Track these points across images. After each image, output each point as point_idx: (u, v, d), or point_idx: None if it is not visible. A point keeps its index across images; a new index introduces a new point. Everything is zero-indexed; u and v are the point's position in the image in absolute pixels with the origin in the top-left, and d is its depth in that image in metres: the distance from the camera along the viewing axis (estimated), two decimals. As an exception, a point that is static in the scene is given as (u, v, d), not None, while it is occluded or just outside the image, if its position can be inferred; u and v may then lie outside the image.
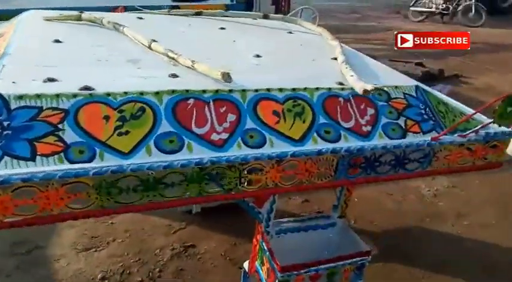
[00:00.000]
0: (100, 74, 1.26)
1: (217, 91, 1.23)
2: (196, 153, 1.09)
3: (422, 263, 2.37)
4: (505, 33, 9.73)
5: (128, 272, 2.16)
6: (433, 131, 1.38)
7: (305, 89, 1.33)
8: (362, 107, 1.36)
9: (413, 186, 3.18)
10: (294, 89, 1.32)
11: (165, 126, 1.11)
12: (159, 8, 3.75)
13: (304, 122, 1.26)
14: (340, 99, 1.35)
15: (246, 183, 1.17)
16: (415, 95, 1.46)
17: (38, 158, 0.97)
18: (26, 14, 1.86)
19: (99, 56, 1.41)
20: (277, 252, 1.55)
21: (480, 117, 1.44)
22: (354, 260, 1.56)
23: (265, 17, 2.15)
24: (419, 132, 1.36)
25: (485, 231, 2.71)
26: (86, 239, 2.40)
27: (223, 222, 2.58)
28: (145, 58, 1.43)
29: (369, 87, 1.28)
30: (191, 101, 1.18)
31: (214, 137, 1.15)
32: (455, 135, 1.38)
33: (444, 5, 11.10)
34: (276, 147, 1.18)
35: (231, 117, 1.20)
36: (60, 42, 1.50)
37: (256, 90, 1.27)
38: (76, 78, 1.18)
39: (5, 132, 0.98)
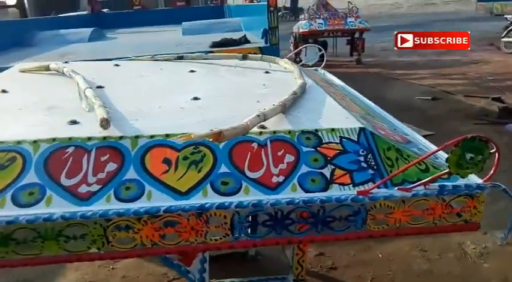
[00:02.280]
0: (3, 123, 1.26)
1: (104, 138, 1.14)
2: (56, 207, 1.00)
3: None
4: None
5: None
6: (369, 183, 1.13)
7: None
8: (280, 153, 1.16)
9: (456, 242, 2.70)
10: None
11: (30, 178, 1.05)
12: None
13: (199, 171, 1.11)
14: (254, 144, 1.17)
15: (116, 242, 1.04)
16: (355, 139, 1.22)
17: None
18: (16, 66, 1.99)
19: (25, 105, 1.42)
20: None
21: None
22: None
23: (244, 57, 2.05)
24: (348, 184, 1.12)
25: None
26: (84, 283, 2.41)
27: (224, 273, 2.40)
28: (66, 105, 1.41)
29: (214, 130, 1.08)
30: (70, 149, 1.11)
31: (83, 189, 1.05)
32: (395, 188, 1.11)
33: (541, 34, 9.98)
34: (152, 200, 1.04)
35: (111, 166, 1.09)
36: (6, 92, 1.56)
37: (152, 136, 1.16)
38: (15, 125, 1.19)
39: None
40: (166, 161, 1.12)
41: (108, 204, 1.02)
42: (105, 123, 1.13)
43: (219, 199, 1.05)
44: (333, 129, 1.23)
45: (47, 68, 1.84)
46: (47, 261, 1.04)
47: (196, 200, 1.05)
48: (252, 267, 2.46)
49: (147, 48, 4.30)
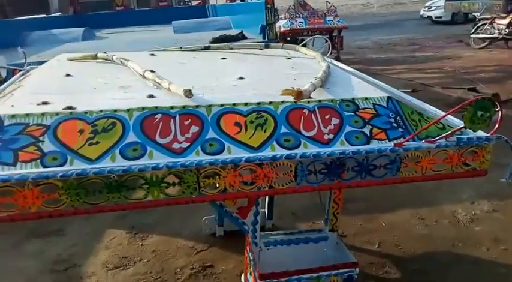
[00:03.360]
0: (89, 98, 1.47)
1: (184, 107, 1.37)
2: (156, 159, 1.23)
3: (445, 288, 2.24)
4: None
5: (147, 289, 2.30)
6: (401, 138, 1.40)
7: (270, 102, 1.43)
8: (327, 117, 1.42)
9: (450, 210, 3.03)
10: (259, 103, 1.42)
11: (131, 138, 1.27)
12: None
13: (265, 131, 1.35)
14: (305, 110, 1.43)
15: (205, 187, 1.28)
16: (385, 105, 1.49)
17: (18, 163, 1.16)
18: (57, 57, 2.18)
19: (96, 85, 1.63)
20: (266, 264, 1.60)
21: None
22: (339, 271, 1.56)
23: (267, 46, 2.30)
24: (384, 139, 1.39)
25: (525, 257, 2.50)
26: (117, 259, 2.60)
27: (243, 245, 2.64)
28: (136, 84, 1.63)
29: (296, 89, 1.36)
30: (159, 115, 1.34)
31: (176, 145, 1.28)
32: (423, 141, 1.39)
33: (508, 30, 10.57)
34: (233, 154, 1.28)
35: (194, 128, 1.33)
36: (71, 75, 1.76)
37: (222, 105, 1.39)
38: (66, 102, 1.39)
39: (-4, 143, 1.19)
40: (237, 124, 1.36)
41: (198, 157, 1.26)
42: (188, 93, 1.37)
43: (283, 152, 1.30)
44: (366, 98, 1.50)
45: (94, 57, 2.04)
46: (150, 205, 1.26)
47: (267, 153, 1.30)
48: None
49: (147, 45, 4.49)
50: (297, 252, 1.73)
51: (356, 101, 1.49)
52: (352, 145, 1.36)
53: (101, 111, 1.31)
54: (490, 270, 2.40)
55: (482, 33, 11.11)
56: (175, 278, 2.39)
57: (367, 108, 1.47)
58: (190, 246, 2.68)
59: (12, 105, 1.34)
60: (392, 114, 1.47)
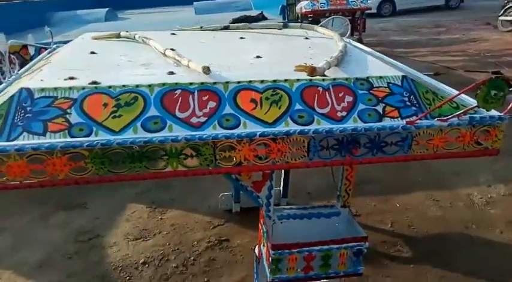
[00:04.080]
0: (112, 74, 1.53)
1: (202, 83, 1.43)
2: (175, 132, 1.29)
3: (457, 267, 2.28)
4: None
5: (166, 258, 2.41)
6: (414, 117, 1.43)
7: (286, 80, 1.47)
8: (340, 95, 1.46)
9: (465, 193, 3.04)
10: (274, 81, 1.46)
11: (152, 112, 1.33)
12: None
13: (279, 108, 1.40)
14: (320, 88, 1.46)
15: (221, 160, 1.34)
16: (400, 84, 1.52)
17: (47, 133, 1.24)
18: (82, 36, 2.25)
19: (119, 62, 1.70)
20: (278, 236, 1.66)
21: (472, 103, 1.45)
22: (349, 244, 1.61)
23: (285, 26, 2.32)
24: (397, 117, 1.42)
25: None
26: (137, 231, 2.72)
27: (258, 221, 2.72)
28: (157, 62, 1.69)
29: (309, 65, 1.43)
30: (178, 91, 1.39)
31: (194, 120, 1.34)
32: (435, 119, 1.41)
33: (538, 11, 10.22)
34: (248, 128, 1.34)
35: (212, 104, 1.38)
36: (95, 53, 1.83)
37: (239, 82, 1.44)
38: (91, 77, 1.47)
39: (27, 115, 1.27)
40: (253, 101, 1.41)
41: (215, 131, 1.32)
42: (206, 70, 1.42)
43: (297, 127, 1.35)
44: (381, 77, 1.53)
45: (118, 36, 2.11)
46: (169, 175, 1.34)
47: (281, 128, 1.35)
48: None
49: (169, 25, 4.54)
50: (308, 226, 1.79)
51: (370, 79, 1.51)
52: (364, 122, 1.39)
53: (124, 86, 1.38)
54: (502, 252, 2.42)
55: (510, 16, 10.75)
56: (192, 250, 2.49)
57: (381, 86, 1.50)
58: (207, 221, 2.77)
59: (42, 80, 1.42)
60: (406, 93, 1.49)
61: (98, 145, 1.22)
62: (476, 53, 8.20)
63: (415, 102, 1.48)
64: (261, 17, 4.47)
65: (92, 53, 1.83)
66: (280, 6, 4.32)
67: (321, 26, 2.49)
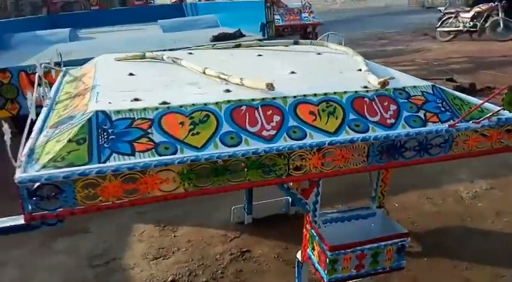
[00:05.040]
0: (171, 94, 1.59)
1: (263, 99, 1.53)
2: (252, 146, 1.38)
3: (464, 256, 2.50)
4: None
5: (194, 274, 2.43)
6: (451, 120, 1.61)
7: (335, 92, 1.61)
8: (385, 104, 1.62)
9: (452, 189, 3.31)
10: (325, 94, 1.59)
11: (226, 127, 1.41)
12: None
13: (336, 118, 1.53)
14: (366, 99, 1.61)
15: (293, 170, 1.44)
16: (431, 92, 1.70)
17: (136, 153, 1.28)
18: (100, 58, 2.27)
19: (165, 82, 1.76)
20: (328, 238, 1.77)
21: (494, 107, 1.66)
22: (394, 240, 1.76)
23: (296, 43, 2.48)
24: (437, 122, 1.60)
25: (525, 226, 2.81)
26: (154, 250, 2.71)
27: (272, 231, 2.82)
28: (202, 81, 1.76)
29: (382, 79, 1.55)
30: (243, 107, 1.49)
31: (265, 133, 1.43)
32: (470, 122, 1.60)
33: (471, 23, 11.19)
34: (315, 138, 1.45)
35: (276, 117, 1.49)
36: (134, 74, 1.87)
37: (295, 97, 1.56)
38: (153, 98, 1.52)
39: (110, 137, 1.31)
40: (312, 113, 1.53)
41: (287, 143, 1.42)
42: (270, 86, 1.52)
43: (359, 135, 1.48)
44: (414, 86, 1.70)
45: (142, 57, 2.15)
46: (249, 186, 1.42)
47: (344, 137, 1.47)
48: (294, 222, 2.92)
49: (143, 44, 4.56)
50: (350, 227, 1.92)
51: (406, 89, 1.68)
52: (412, 128, 1.56)
53: (193, 104, 1.45)
54: (499, 240, 2.68)
55: (447, 27, 11.69)
56: (217, 263, 2.53)
57: (417, 95, 1.67)
58: (222, 235, 2.82)
59: (110, 102, 1.46)
60: (438, 100, 1.68)
61: (187, 161, 1.28)
62: (425, 62, 8.83)
63: (447, 107, 1.66)
64: (239, 34, 4.60)
65: (131, 74, 1.87)
66: (259, 23, 4.48)
67: (319, 39, 2.68)
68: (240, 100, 1.50)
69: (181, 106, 1.44)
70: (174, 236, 2.85)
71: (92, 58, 2.33)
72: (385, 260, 1.79)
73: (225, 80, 1.73)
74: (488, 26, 10.96)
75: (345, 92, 1.62)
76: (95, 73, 1.91)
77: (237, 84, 1.67)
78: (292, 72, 1.90)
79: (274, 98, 1.54)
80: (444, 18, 11.81)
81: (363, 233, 1.91)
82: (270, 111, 1.50)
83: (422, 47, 11.14)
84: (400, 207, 3.09)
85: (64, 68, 2.38)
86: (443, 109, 1.65)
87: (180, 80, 1.80)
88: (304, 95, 1.57)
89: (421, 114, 1.61)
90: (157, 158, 1.27)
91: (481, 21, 11.05)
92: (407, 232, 1.80)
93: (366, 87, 1.67)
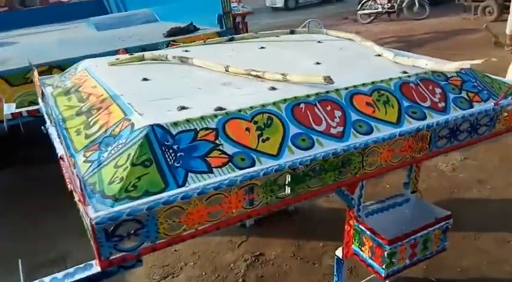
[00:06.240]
0: (213, 97, 1.41)
1: (317, 94, 1.41)
2: (327, 146, 1.27)
3: (467, 226, 2.59)
4: (449, 20, 10.46)
5: (212, 288, 2.26)
6: (490, 99, 1.62)
7: (381, 80, 1.53)
8: (430, 88, 1.58)
9: (432, 164, 3.44)
10: (373, 82, 1.52)
11: (293, 129, 1.28)
12: (156, 45, 3.94)
13: (393, 107, 1.46)
14: (411, 84, 1.56)
15: (366, 166, 1.35)
16: (463, 72, 1.70)
17: (214, 170, 1.11)
18: (85, 64, 1.98)
19: (194, 85, 1.57)
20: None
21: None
22: (441, 224, 1.75)
23: (292, 32, 2.37)
24: (480, 101, 1.59)
25: (508, 190, 2.99)
26: (159, 269, 2.47)
27: (278, 230, 2.72)
28: (234, 80, 1.59)
29: (466, 64, 1.52)
30: (302, 105, 1.36)
31: (333, 131, 1.32)
32: (509, 98, 1.62)
33: (389, 4, 11.77)
34: (382, 131, 1.37)
35: (338, 113, 1.38)
36: (148, 79, 1.64)
37: (346, 88, 1.46)
38: (199, 103, 1.34)
39: (179, 154, 1.12)
40: (369, 104, 1.44)
41: (356, 138, 1.32)
42: (329, 80, 1.40)
43: (419, 123, 1.42)
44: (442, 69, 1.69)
45: (141, 59, 1.91)
46: (327, 190, 1.30)
47: (409, 126, 1.40)
48: (297, 218, 2.85)
49: (84, 45, 4.18)
50: (390, 217, 1.88)
51: (442, 71, 1.66)
52: (462, 109, 1.54)
53: (251, 107, 1.30)
54: (489, 207, 2.83)
55: (367, 9, 12.21)
56: (233, 272, 2.38)
57: (453, 76, 1.66)
58: (228, 241, 2.66)
59: (156, 115, 1.25)
60: (473, 79, 1.68)
61: (272, 172, 1.14)
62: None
63: (482, 86, 1.67)
64: (193, 28, 4.36)
65: (145, 79, 1.64)
66: (216, 15, 4.27)
67: (301, 28, 2.59)
68: (295, 97, 1.37)
69: (239, 110, 1.28)
70: (175, 250, 2.63)
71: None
72: (433, 245, 1.78)
73: (258, 76, 1.58)
74: (404, 6, 11.62)
75: (390, 78, 1.55)
76: (99, 81, 1.66)
77: (278, 80, 1.53)
78: (318, 63, 1.79)
79: (327, 92, 1.43)
80: (364, 1, 12.32)
81: (403, 220, 1.89)
82: (329, 107, 1.39)
83: (349, 30, 11.49)
84: (391, 187, 3.15)
85: (56, 76, 2.06)
86: (480, 88, 1.65)
87: (207, 81, 1.61)
88: (355, 86, 1.48)
89: (464, 94, 1.60)
90: (240, 172, 1.11)
91: (398, 2, 11.70)
92: (450, 214, 1.80)
93: (405, 72, 1.63)
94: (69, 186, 1.35)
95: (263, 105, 1.31)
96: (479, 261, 2.31)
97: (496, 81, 1.74)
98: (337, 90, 1.45)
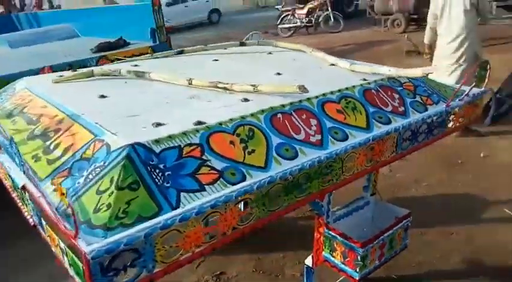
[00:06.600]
0: (187, 111, 1.35)
1: (291, 103, 1.41)
2: (309, 155, 1.26)
3: (414, 223, 2.74)
4: (362, 33, 11.19)
5: (178, 316, 2.14)
6: (440, 101, 1.73)
7: (346, 88, 1.58)
8: (389, 93, 1.66)
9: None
10: (339, 90, 1.55)
11: (275, 140, 1.26)
12: (85, 61, 3.72)
13: (361, 113, 1.51)
14: (373, 91, 1.63)
15: (345, 172, 1.37)
16: (413, 77, 1.81)
17: (206, 187, 1.05)
18: (24, 83, 1.80)
19: (158, 100, 1.49)
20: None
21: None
22: (403, 222, 1.83)
23: (242, 44, 2.36)
24: (432, 104, 1.70)
25: (441, 186, 3.24)
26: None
27: (235, 246, 2.65)
28: (200, 93, 1.54)
29: (431, 70, 1.63)
30: (279, 115, 1.35)
31: (312, 139, 1.33)
32: (457, 100, 1.75)
33: (307, 19, 12.34)
34: (357, 137, 1.40)
35: (313, 121, 1.39)
36: (106, 96, 1.53)
37: (317, 97, 1.48)
38: (174, 118, 1.27)
39: (166, 174, 1.04)
40: (339, 111, 1.47)
41: (334, 145, 1.34)
42: (303, 89, 1.40)
43: (390, 126, 1.48)
44: (399, 76, 1.79)
45: (90, 74, 1.77)
46: (312, 198, 1.30)
47: (378, 130, 1.45)
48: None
49: (3, 65, 3.84)
50: (353, 221, 1.92)
51: (396, 77, 1.76)
52: (419, 112, 1.63)
53: (231, 119, 1.26)
54: (427, 203, 3.03)
55: (287, 23, 12.68)
56: (196, 295, 2.28)
57: (406, 82, 1.76)
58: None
59: (131, 133, 1.16)
60: (422, 84, 1.79)
61: (264, 185, 1.11)
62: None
63: (431, 90, 1.79)
64: (123, 43, 4.18)
65: (102, 96, 1.52)
66: (149, 29, 4.13)
67: (246, 40, 2.61)
68: (271, 108, 1.36)
69: (220, 123, 1.23)
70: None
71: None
72: (397, 244, 1.85)
73: (226, 88, 1.54)
74: (321, 21, 12.25)
75: (354, 86, 1.60)
76: (49, 100, 1.51)
77: (248, 91, 1.50)
78: (278, 74, 1.80)
79: (300, 101, 1.43)
80: (283, 16, 12.78)
81: (366, 223, 1.95)
82: (304, 115, 1.40)
83: (270, 43, 11.85)
84: (336, 192, 3.24)
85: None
86: (430, 92, 1.77)
87: (171, 95, 1.54)
88: (324, 94, 1.51)
89: (418, 99, 1.70)
90: (233, 187, 1.07)
91: (315, 16, 12.29)
92: (410, 211, 1.89)
93: (364, 79, 1.69)
94: (31, 220, 1.21)
95: (242, 117, 1.28)
96: (431, 255, 2.46)
97: (440, 84, 1.88)
98: (308, 99, 1.46)
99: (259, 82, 1.56)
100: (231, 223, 1.07)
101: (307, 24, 12.42)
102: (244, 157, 1.17)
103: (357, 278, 1.70)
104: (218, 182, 1.08)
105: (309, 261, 1.90)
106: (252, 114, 1.30)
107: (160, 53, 2.27)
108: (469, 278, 2.27)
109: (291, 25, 12.59)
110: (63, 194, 0.82)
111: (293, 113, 1.38)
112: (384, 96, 1.63)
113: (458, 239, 2.62)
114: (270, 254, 2.57)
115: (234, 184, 1.08)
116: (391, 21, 10.64)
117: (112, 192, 0.96)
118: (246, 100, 1.44)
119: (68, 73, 1.84)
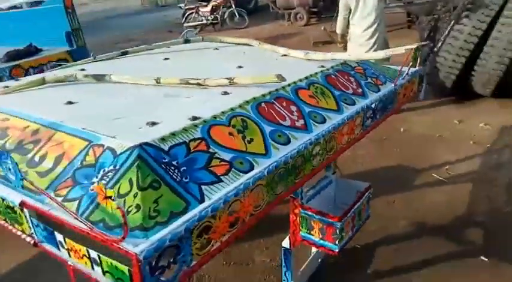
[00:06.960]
0: (174, 108, 1.34)
1: (270, 92, 1.47)
2: (300, 139, 1.34)
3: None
4: (268, 27, 11.53)
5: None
6: (387, 81, 1.92)
7: (311, 75, 1.68)
8: (346, 77, 1.79)
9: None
10: (306, 77, 1.65)
11: (267, 127, 1.31)
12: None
13: (329, 97, 1.61)
14: (332, 76, 1.75)
15: (329, 151, 1.47)
16: (360, 61, 1.97)
17: (222, 177, 1.07)
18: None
19: (133, 101, 1.45)
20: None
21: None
22: (366, 195, 2.00)
23: (187, 41, 2.35)
24: (382, 84, 1.88)
25: (374, 161, 3.53)
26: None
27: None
28: (171, 91, 1.52)
29: (400, 50, 1.79)
30: (263, 104, 1.40)
31: (298, 123, 1.40)
32: (401, 78, 1.95)
33: (212, 16, 12.38)
34: (333, 119, 1.50)
35: (293, 107, 1.47)
36: (74, 102, 1.44)
37: (289, 85, 1.56)
38: (165, 116, 1.26)
39: (182, 169, 1.04)
40: (311, 96, 1.57)
41: (318, 128, 1.43)
42: (281, 78, 1.46)
43: (357, 106, 1.61)
44: (350, 60, 1.94)
45: (42, 82, 1.65)
46: (306, 179, 1.37)
47: (349, 111, 1.57)
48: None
49: None
50: (321, 199, 2.03)
51: (347, 62, 1.90)
52: (374, 92, 1.79)
53: (223, 112, 1.28)
54: (367, 175, 3.27)
55: (192, 22, 12.60)
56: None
57: (356, 66, 1.91)
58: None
59: (135, 133, 1.13)
60: (368, 67, 1.96)
61: (273, 169, 1.16)
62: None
63: (378, 72, 1.97)
64: (34, 50, 3.85)
65: (70, 102, 1.44)
66: (64, 32, 3.84)
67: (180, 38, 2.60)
68: (254, 98, 1.41)
69: (215, 117, 1.25)
70: None
71: None
72: (363, 214, 2.01)
73: (199, 84, 1.55)
74: (227, 17, 12.37)
75: (316, 73, 1.71)
76: (10, 112, 1.39)
77: (223, 85, 1.53)
78: (240, 67, 1.84)
79: (277, 90, 1.50)
80: (187, 14, 12.67)
81: (331, 200, 2.08)
82: (284, 103, 1.46)
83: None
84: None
85: None
86: (377, 73, 1.94)
87: (144, 95, 1.51)
88: (294, 82, 1.59)
89: (370, 80, 1.86)
90: (247, 175, 1.10)
91: (220, 13, 12.37)
92: (370, 184, 2.06)
93: (322, 66, 1.80)
94: (29, 239, 1.13)
95: (232, 109, 1.31)
96: (381, 223, 2.69)
97: (381, 66, 2.07)
98: (283, 87, 1.53)
99: (226, 76, 1.59)
100: (249, 210, 1.10)
101: (213, 22, 12.45)
102: (246, 146, 1.20)
103: (337, 250, 1.81)
104: (231, 172, 1.10)
105: (286, 243, 1.98)
106: (240, 106, 1.34)
107: (104, 55, 2.16)
108: (419, 239, 2.54)
109: (197, 23, 12.52)
110: (109, 197, 0.79)
111: (274, 102, 1.44)
112: (342, 79, 1.76)
113: (399, 206, 2.90)
114: (237, 244, 2.61)
115: (245, 172, 1.11)
116: (294, 15, 11.12)
117: (136, 194, 0.94)
118: (226, 93, 1.47)
119: (14, 82, 1.69)
